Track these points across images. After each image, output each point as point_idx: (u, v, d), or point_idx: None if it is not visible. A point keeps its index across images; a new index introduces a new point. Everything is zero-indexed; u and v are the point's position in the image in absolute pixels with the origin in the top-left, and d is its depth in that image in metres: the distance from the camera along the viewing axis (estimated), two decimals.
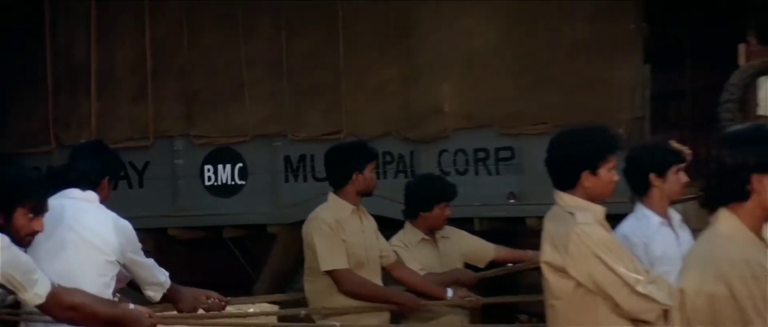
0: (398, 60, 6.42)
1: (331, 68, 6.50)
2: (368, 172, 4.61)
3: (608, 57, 6.03)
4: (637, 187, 4.10)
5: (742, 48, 5.87)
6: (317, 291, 4.59)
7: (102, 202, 3.91)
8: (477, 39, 6.25)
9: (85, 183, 3.85)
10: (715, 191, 2.62)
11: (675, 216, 3.97)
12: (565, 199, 3.46)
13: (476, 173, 6.25)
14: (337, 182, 4.57)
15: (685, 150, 4.02)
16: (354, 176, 4.52)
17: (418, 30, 6.40)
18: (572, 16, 6.13)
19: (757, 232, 2.46)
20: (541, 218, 3.79)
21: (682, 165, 4.08)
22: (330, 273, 4.43)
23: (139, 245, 3.98)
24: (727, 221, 2.42)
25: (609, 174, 3.54)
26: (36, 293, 3.11)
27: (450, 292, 4.68)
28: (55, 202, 3.65)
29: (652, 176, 4.01)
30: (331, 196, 4.59)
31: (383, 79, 6.40)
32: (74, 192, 3.77)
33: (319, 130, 6.52)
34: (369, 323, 4.61)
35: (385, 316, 4.73)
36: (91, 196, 3.79)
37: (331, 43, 6.52)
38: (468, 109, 6.28)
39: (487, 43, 6.21)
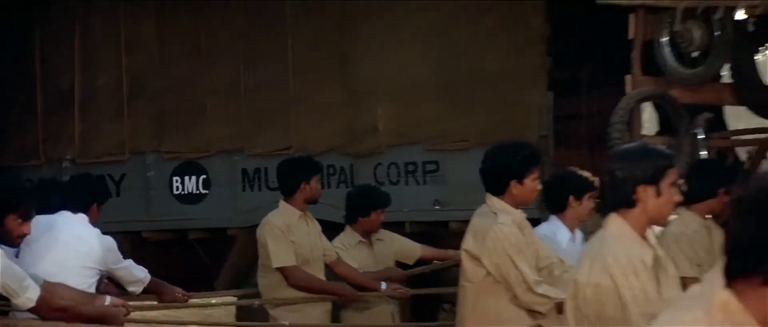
0: (340, 87, 6.75)
1: (282, 93, 6.78)
2: (314, 182, 4.94)
3: (519, 86, 6.52)
4: (555, 206, 4.50)
5: (628, 78, 6.13)
6: (269, 285, 4.88)
7: (92, 222, 4.24)
8: (408, 69, 6.60)
9: (77, 208, 4.18)
10: (608, 199, 2.92)
11: (579, 234, 4.30)
12: (493, 201, 3.76)
13: (406, 183, 6.60)
14: (287, 191, 4.89)
15: (597, 181, 4.36)
16: (302, 186, 4.83)
17: (357, 61, 6.75)
18: (490, 51, 6.57)
19: (641, 234, 2.64)
20: (462, 222, 4.23)
21: (594, 193, 4.52)
22: (280, 269, 4.72)
23: (120, 255, 4.28)
24: (615, 224, 2.61)
25: (533, 184, 3.88)
26: (27, 298, 3.27)
27: (383, 285, 5.00)
28: (49, 217, 3.99)
29: (571, 198, 4.44)
30: (282, 204, 4.89)
31: (327, 103, 6.68)
32: (67, 214, 4.10)
33: (272, 146, 6.77)
34: (314, 312, 4.88)
35: (328, 306, 5.04)
36: (82, 217, 4.11)
37: (282, 71, 6.77)
38: (399, 129, 6.65)
39: (417, 73, 6.60)
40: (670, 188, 2.68)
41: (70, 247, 4.08)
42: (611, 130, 5.71)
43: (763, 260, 1.55)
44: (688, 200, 4.44)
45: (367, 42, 6.72)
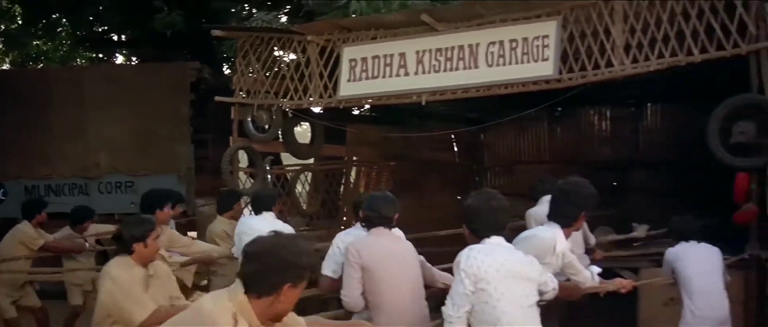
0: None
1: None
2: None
3: (176, 142, 10.24)
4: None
5: (231, 138, 8.79)
6: None
7: None
8: (118, 129, 10.18)
9: None
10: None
11: None
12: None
13: (117, 193, 10.11)
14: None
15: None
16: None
17: (88, 124, 10.27)
18: (161, 122, 10.11)
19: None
20: None
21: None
22: None
23: None
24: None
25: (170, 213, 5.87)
26: None
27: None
28: None
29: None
30: None
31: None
32: None
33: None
34: None
35: None
36: None
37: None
38: (113, 164, 10.24)
39: (123, 131, 10.18)
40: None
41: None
42: (223, 166, 8.50)
43: (253, 286, 2.64)
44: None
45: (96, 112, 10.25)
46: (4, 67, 17.01)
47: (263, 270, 2.62)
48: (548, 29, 6.94)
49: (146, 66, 11.96)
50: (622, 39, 6.77)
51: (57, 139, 10.52)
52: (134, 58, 15.36)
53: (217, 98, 8.91)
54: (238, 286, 2.66)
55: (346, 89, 7.99)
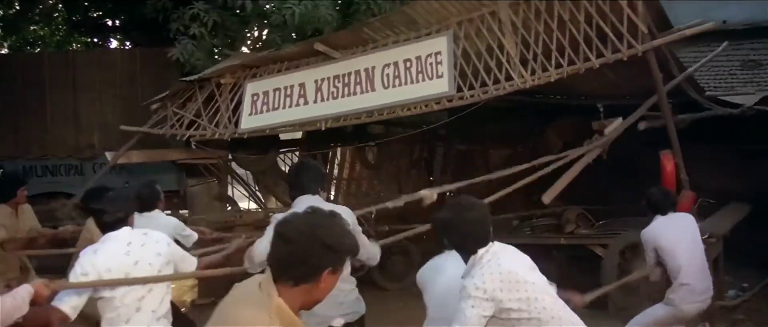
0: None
1: None
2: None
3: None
4: None
5: None
6: None
7: None
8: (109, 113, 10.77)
9: None
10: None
11: None
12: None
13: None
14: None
15: None
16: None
17: (81, 107, 10.82)
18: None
19: None
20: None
21: None
22: None
23: None
24: None
25: None
26: None
27: None
28: None
29: None
30: None
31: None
32: None
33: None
34: None
35: None
36: None
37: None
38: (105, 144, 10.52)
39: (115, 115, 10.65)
40: None
41: None
42: None
43: (289, 272, 2.23)
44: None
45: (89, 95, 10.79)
46: (2, 52, 17.33)
47: (301, 254, 2.26)
48: (440, 45, 7.04)
49: (137, 50, 12.30)
50: (517, 51, 6.84)
51: (52, 121, 10.88)
52: (128, 43, 15.67)
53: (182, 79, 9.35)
54: (269, 284, 2.30)
55: (247, 122, 8.35)
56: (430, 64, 6.99)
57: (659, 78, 6.53)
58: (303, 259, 2.26)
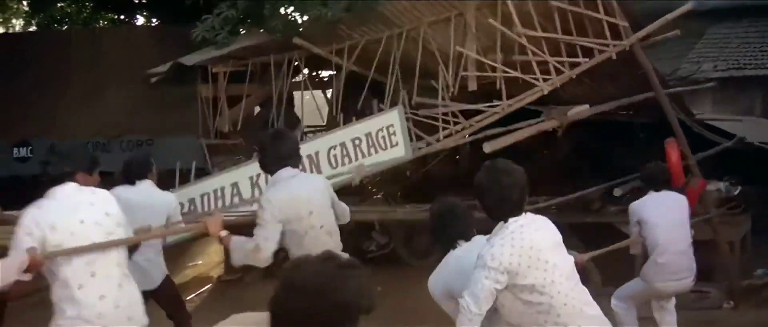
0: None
1: None
2: None
3: (191, 101, 10.29)
4: None
5: None
6: None
7: None
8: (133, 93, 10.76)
9: None
10: None
11: None
12: None
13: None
14: None
15: None
16: None
17: (106, 85, 10.94)
18: (174, 84, 10.09)
19: None
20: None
21: None
22: None
23: None
24: None
25: None
26: None
27: None
28: None
29: None
30: None
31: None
32: None
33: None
34: None
35: None
36: None
37: None
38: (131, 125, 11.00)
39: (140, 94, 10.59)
40: None
41: None
42: None
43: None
44: None
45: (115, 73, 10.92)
46: (30, 29, 17.50)
47: (308, 310, 1.91)
48: (392, 119, 7.09)
49: (162, 28, 12.32)
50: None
51: (78, 99, 10.92)
52: (154, 20, 15.74)
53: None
54: None
55: None
56: (383, 137, 7.01)
57: (650, 68, 7.10)
58: (309, 316, 1.91)
